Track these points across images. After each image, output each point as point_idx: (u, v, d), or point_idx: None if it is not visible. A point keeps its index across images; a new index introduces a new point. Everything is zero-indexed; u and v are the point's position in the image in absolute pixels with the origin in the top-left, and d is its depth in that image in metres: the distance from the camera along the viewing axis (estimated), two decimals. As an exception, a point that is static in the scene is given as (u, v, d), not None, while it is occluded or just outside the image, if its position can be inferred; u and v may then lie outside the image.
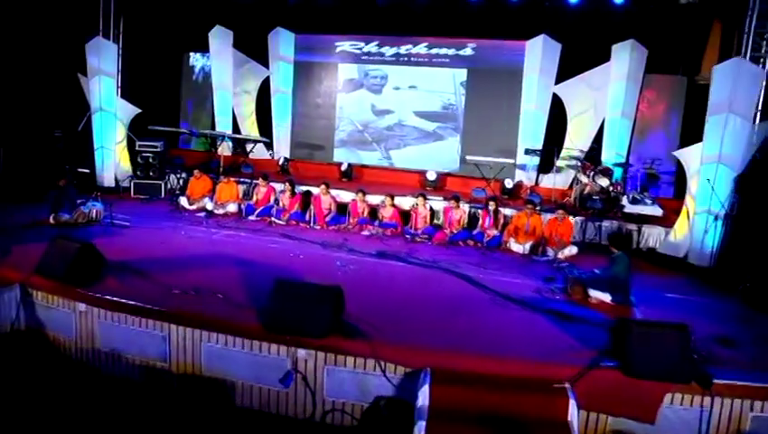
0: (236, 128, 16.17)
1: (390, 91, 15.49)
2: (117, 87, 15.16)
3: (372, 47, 15.37)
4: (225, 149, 15.77)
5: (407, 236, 11.27)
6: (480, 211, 12.21)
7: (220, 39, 15.65)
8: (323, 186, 12.11)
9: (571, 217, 11.31)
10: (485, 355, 6.19)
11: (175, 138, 17.02)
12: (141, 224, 11.04)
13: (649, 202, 11.86)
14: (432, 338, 6.52)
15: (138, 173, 14.00)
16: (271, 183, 12.80)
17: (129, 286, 7.41)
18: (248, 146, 15.84)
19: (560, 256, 10.41)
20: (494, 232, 11.08)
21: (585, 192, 12.85)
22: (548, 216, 11.42)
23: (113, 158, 14.67)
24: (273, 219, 11.86)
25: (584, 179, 12.90)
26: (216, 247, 9.86)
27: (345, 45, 15.58)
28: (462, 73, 14.92)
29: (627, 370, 5.93)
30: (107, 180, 14.55)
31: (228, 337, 6.49)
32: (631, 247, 10.64)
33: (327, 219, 11.85)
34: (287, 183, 12.30)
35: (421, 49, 15.03)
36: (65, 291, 7.15)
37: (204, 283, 7.64)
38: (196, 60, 17.47)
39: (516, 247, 10.83)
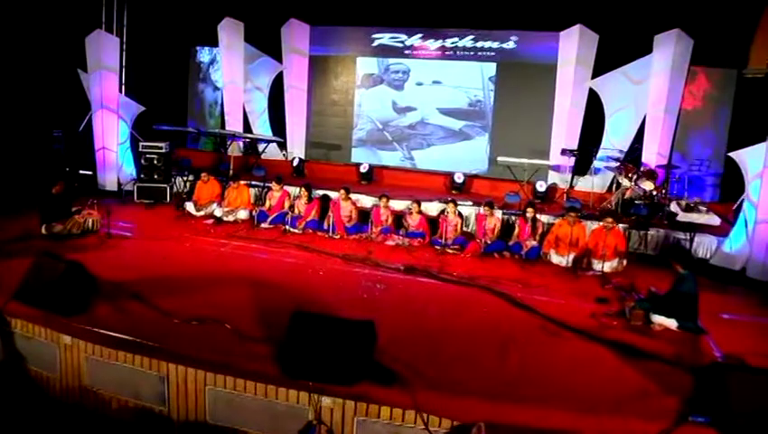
0: (247, 127, 15.17)
1: (413, 87, 14.46)
2: (121, 83, 14.29)
3: (416, 40, 14.22)
4: (235, 150, 14.82)
5: (437, 247, 10.20)
6: (513, 218, 11.15)
7: (229, 32, 14.62)
8: (342, 191, 11.04)
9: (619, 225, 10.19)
10: (548, 406, 5.10)
11: (183, 138, 16.06)
12: (142, 234, 10.07)
13: (703, 209, 10.72)
14: (481, 381, 5.45)
15: (142, 175, 13.02)
16: (285, 188, 11.77)
17: (122, 314, 6.38)
18: (260, 147, 14.80)
19: (607, 270, 9.31)
20: (533, 243, 9.99)
21: (627, 196, 11.71)
22: (590, 224, 10.38)
23: (115, 160, 13.70)
24: (287, 227, 10.82)
25: (625, 182, 11.76)
26: (224, 262, 8.84)
27: (384, 38, 14.43)
28: (490, 67, 13.83)
29: (724, 429, 4.83)
30: (110, 183, 13.67)
31: (237, 380, 5.45)
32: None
33: (347, 227, 10.79)
34: (303, 189, 11.26)
35: (467, 42, 13.90)
36: (48, 320, 6.13)
37: (210, 309, 6.61)
38: (204, 54, 16.43)
39: (557, 259, 9.74)
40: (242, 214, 11.37)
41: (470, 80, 13.96)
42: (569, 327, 6.84)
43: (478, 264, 9.54)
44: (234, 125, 14.98)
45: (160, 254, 8.96)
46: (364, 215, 11.09)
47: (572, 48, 12.70)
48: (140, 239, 9.81)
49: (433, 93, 14.25)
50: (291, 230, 10.79)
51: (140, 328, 5.99)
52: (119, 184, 13.67)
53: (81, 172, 14.05)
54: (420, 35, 14.13)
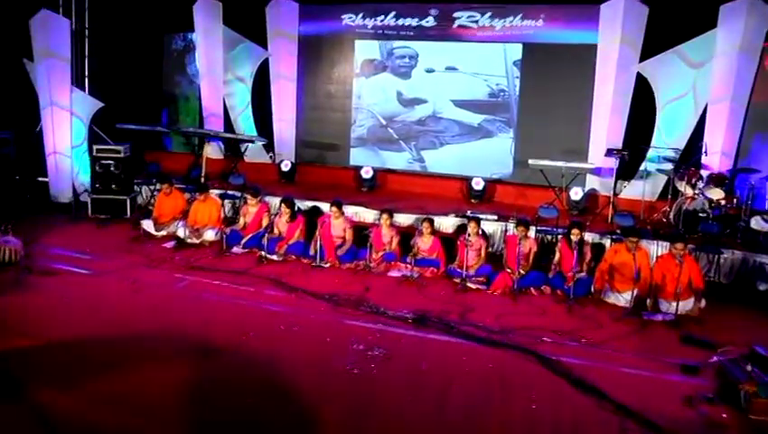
0: (228, 124, 12.95)
1: (422, 75, 12.11)
2: (83, 75, 12.29)
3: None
4: (212, 152, 12.65)
5: (456, 280, 7.93)
6: (549, 237, 8.90)
7: (206, 14, 12.38)
8: (333, 208, 8.77)
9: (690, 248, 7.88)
10: None
11: (156, 138, 13.89)
12: (79, 265, 7.87)
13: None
14: None
15: (97, 185, 10.86)
16: (265, 201, 9.57)
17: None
18: (242, 148, 12.56)
19: (680, 312, 7.03)
20: (581, 275, 7.68)
21: (688, 207, 9.37)
22: (645, 243, 8.20)
23: (69, 167, 11.58)
24: (263, 253, 8.56)
25: (687, 190, 9.45)
26: (171, 309, 6.58)
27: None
28: (515, 49, 11.48)
29: None
30: (63, 195, 11.56)
31: None
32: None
33: (340, 253, 8.54)
34: (283, 204, 8.99)
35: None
36: None
37: (121, 410, 4.39)
38: (179, 42, 14.19)
39: (613, 298, 7.46)
40: (209, 235, 9.16)
41: (491, 66, 11.64)
42: (662, 430, 4.53)
43: (510, 306, 7.25)
44: (213, 122, 12.80)
45: (88, 299, 6.73)
46: (363, 235, 8.82)
47: (616, 23, 10.38)
48: (71, 274, 7.59)
49: (446, 82, 11.92)
50: (268, 257, 8.54)
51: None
52: (76, 196, 11.54)
53: (40, 180, 11.97)
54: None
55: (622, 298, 7.36)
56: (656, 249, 8.62)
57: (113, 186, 10.80)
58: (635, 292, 7.21)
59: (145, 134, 12.55)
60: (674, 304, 7.01)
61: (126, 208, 10.77)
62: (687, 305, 7.15)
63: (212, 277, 7.74)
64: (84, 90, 12.19)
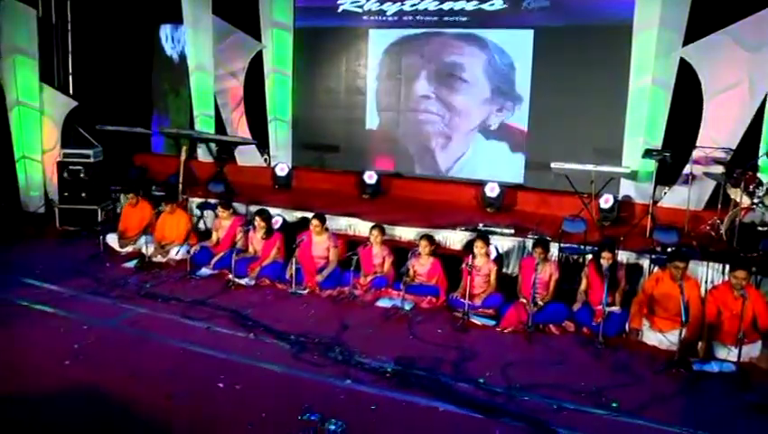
0: (220, 123, 11.78)
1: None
2: (68, 72, 11.41)
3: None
4: (205, 153, 11.69)
5: (457, 312, 6.51)
6: (576, 257, 7.42)
7: (195, 3, 11.31)
8: (315, 222, 7.41)
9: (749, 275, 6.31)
10: None
11: (145, 140, 12.76)
12: (15, 293, 6.68)
13: None
14: None
15: (65, 194, 9.85)
16: (238, 215, 8.37)
17: None
18: (233, 149, 11.36)
19: (744, 359, 5.51)
20: (613, 309, 6.20)
21: (743, 219, 7.81)
22: (694, 267, 6.79)
23: (41, 173, 10.59)
24: (233, 277, 7.24)
25: (743, 199, 7.88)
26: (94, 357, 5.28)
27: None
28: (535, 34, 10.01)
29: None
30: (34, 203, 10.54)
31: None
32: None
33: (320, 277, 7.18)
34: (258, 217, 7.67)
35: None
36: None
37: None
38: (171, 35, 13.08)
39: (654, 338, 5.98)
40: (174, 252, 7.93)
41: (507, 54, 10.22)
42: None
43: (523, 350, 5.79)
44: (204, 121, 11.70)
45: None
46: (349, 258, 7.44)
47: (654, 2, 8.92)
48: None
49: (456, 75, 10.54)
50: (238, 282, 7.22)
51: None
52: (48, 205, 10.52)
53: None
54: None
55: (666, 340, 5.87)
56: (705, 272, 7.12)
57: (82, 195, 9.76)
58: (683, 333, 5.71)
59: (133, 135, 11.45)
60: (735, 349, 5.51)
61: (96, 219, 9.75)
62: (751, 350, 5.65)
63: (164, 308, 6.49)
64: (68, 89, 11.28)
